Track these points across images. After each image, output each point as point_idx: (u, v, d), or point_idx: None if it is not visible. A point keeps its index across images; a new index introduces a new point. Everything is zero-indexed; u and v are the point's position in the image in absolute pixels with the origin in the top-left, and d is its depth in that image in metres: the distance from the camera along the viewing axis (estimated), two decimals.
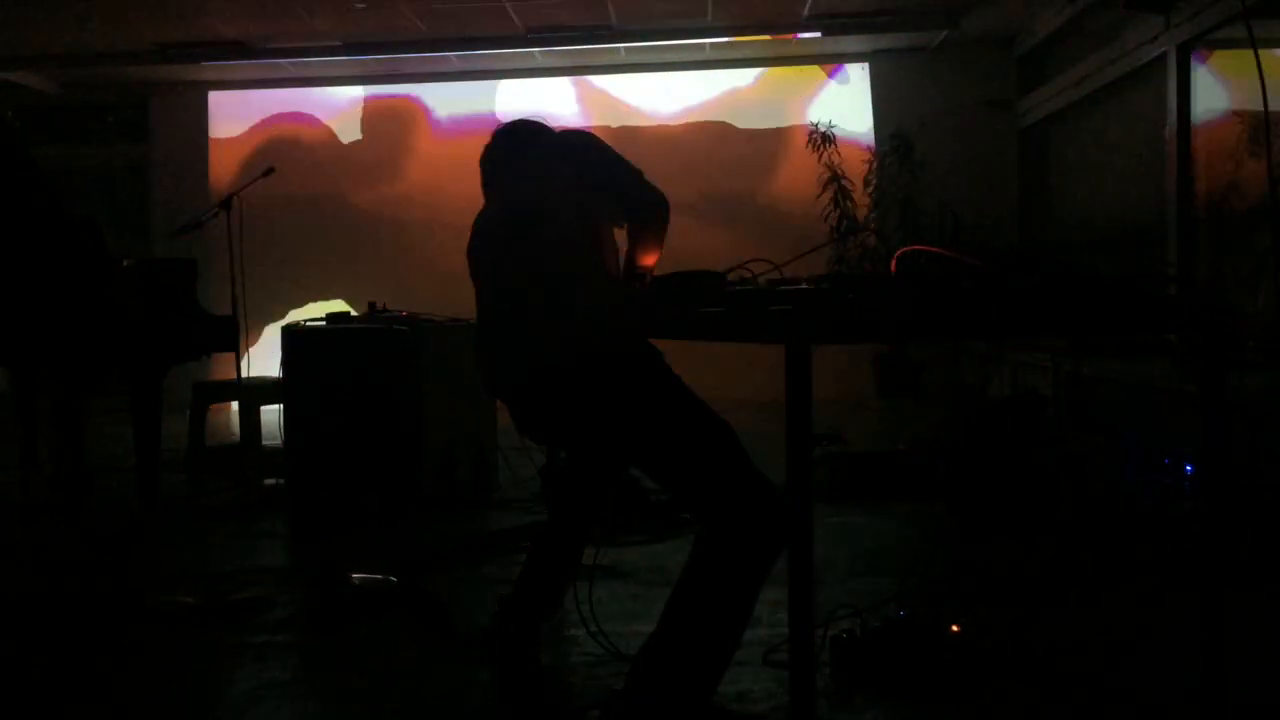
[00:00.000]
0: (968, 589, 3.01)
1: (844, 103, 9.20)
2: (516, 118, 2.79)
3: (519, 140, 2.67)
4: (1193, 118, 5.87)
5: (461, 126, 9.53)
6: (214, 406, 5.83)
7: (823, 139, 8.64)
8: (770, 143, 9.36)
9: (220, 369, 8.25)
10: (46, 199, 4.51)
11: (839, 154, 8.68)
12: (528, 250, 2.36)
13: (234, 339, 5.11)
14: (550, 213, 2.38)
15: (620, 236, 2.56)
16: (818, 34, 8.36)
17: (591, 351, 2.22)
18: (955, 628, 2.57)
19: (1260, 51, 3.33)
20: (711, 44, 8.72)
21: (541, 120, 2.77)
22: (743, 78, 9.41)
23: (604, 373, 2.20)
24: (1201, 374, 1.93)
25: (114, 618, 3.16)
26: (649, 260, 2.53)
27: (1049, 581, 3.34)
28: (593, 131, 2.57)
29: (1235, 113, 5.59)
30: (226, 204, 5.30)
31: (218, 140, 9.89)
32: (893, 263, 1.96)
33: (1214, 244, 5.77)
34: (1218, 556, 1.92)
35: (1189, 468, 4.62)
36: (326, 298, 9.45)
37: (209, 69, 9.22)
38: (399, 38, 8.48)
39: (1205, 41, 5.73)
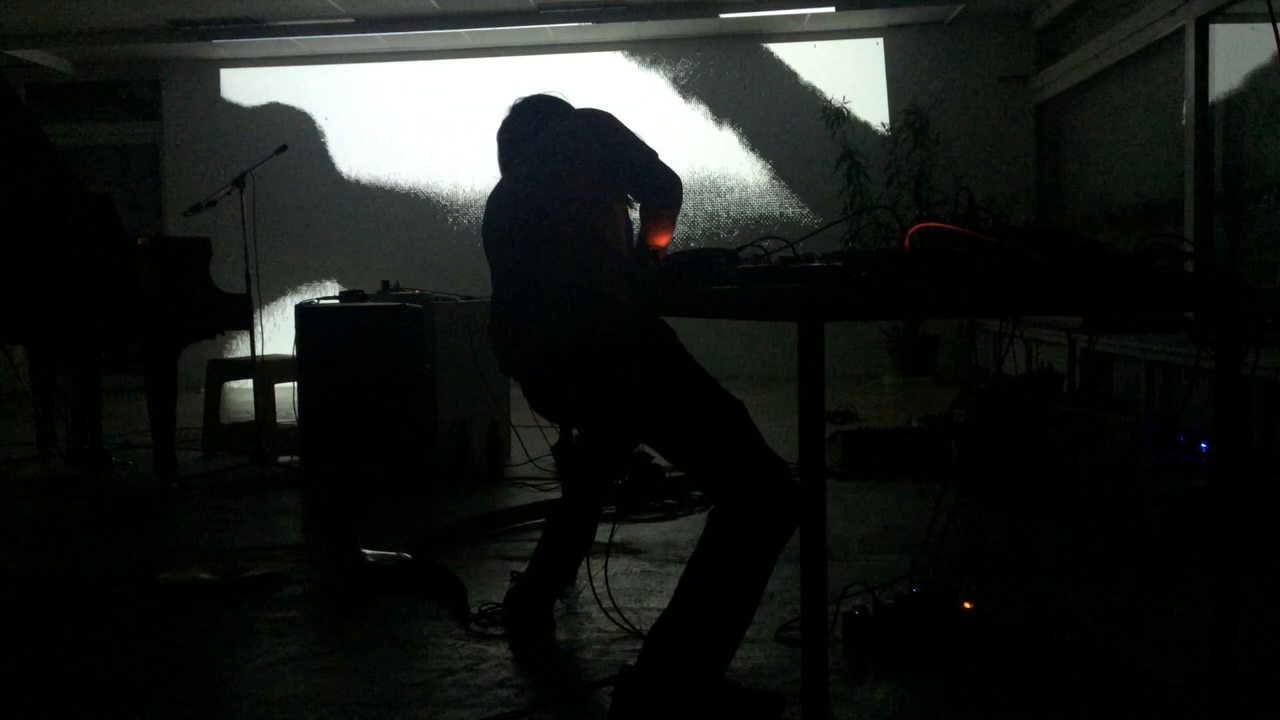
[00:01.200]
0: (980, 566, 3.01)
1: (858, 78, 9.14)
2: (534, 93, 2.78)
3: (535, 116, 2.66)
4: (1211, 92, 5.82)
5: (475, 104, 9.51)
6: (229, 384, 5.86)
7: (836, 115, 8.59)
8: (783, 119, 9.30)
9: (234, 347, 8.30)
10: (61, 176, 4.53)
11: (853, 130, 8.63)
12: (541, 229, 2.36)
13: (248, 317, 5.13)
14: (563, 192, 2.37)
15: (634, 215, 2.56)
16: (832, 9, 8.29)
17: (604, 329, 2.22)
18: (968, 604, 2.57)
19: None
20: (725, 19, 8.66)
21: (559, 95, 2.75)
22: (756, 52, 9.36)
23: (617, 351, 2.20)
24: (1218, 351, 1.92)
25: (131, 593, 3.19)
26: (662, 240, 2.53)
27: (1062, 558, 3.34)
28: (608, 110, 2.56)
29: (1255, 87, 5.53)
30: (240, 182, 5.32)
31: (231, 117, 9.89)
32: (906, 239, 1.95)
33: (1232, 220, 5.72)
34: (1231, 534, 1.91)
35: (1204, 445, 4.61)
36: (340, 275, 9.47)
37: (221, 46, 9.21)
38: (411, 14, 8.45)
39: (1224, 15, 5.67)
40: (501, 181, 2.62)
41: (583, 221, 2.34)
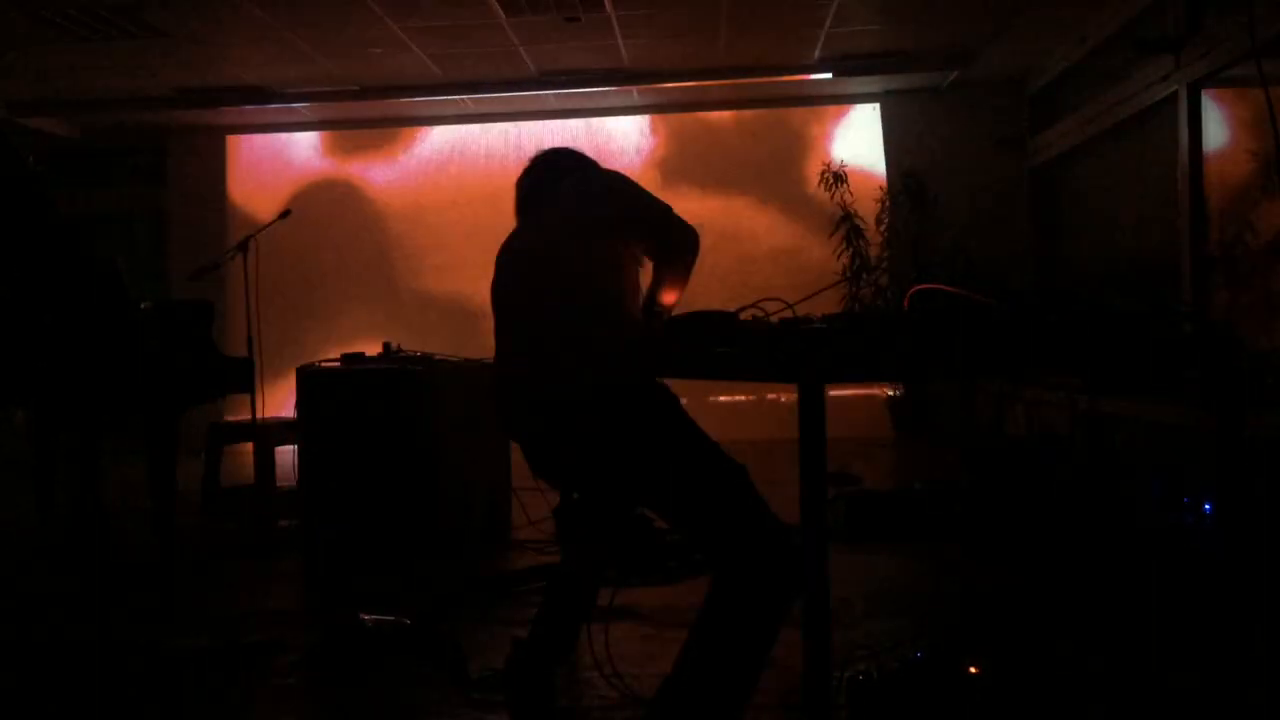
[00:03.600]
0: (985, 629, 2.98)
1: (856, 142, 9.25)
2: (557, 145, 2.80)
3: (557, 169, 2.67)
4: (1204, 156, 5.88)
5: (476, 168, 9.62)
6: (229, 448, 5.85)
7: (835, 178, 8.67)
8: (782, 182, 9.40)
9: (235, 410, 8.29)
10: (66, 241, 4.56)
11: (851, 193, 8.72)
12: (549, 292, 2.36)
13: (250, 380, 5.13)
14: (574, 253, 2.38)
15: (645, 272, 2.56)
16: (828, 75, 8.42)
17: (607, 396, 2.22)
18: (974, 669, 2.54)
19: (1271, 90, 3.33)
20: (721, 85, 8.78)
21: (581, 151, 2.77)
22: (754, 119, 9.48)
23: (619, 415, 2.20)
24: (1219, 412, 1.92)
25: (129, 660, 3.16)
26: (671, 298, 2.53)
27: (1068, 621, 3.30)
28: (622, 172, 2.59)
29: (1249, 151, 5.59)
30: (244, 246, 5.36)
31: (235, 183, 9.99)
32: (906, 301, 1.97)
33: (1229, 281, 5.75)
34: (1239, 595, 1.90)
35: (1208, 506, 4.58)
36: (342, 338, 9.49)
37: (227, 113, 9.33)
38: (413, 81, 8.58)
39: (1216, 80, 5.75)
40: (515, 232, 2.63)
41: (592, 283, 2.34)
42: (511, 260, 2.54)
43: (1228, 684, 1.89)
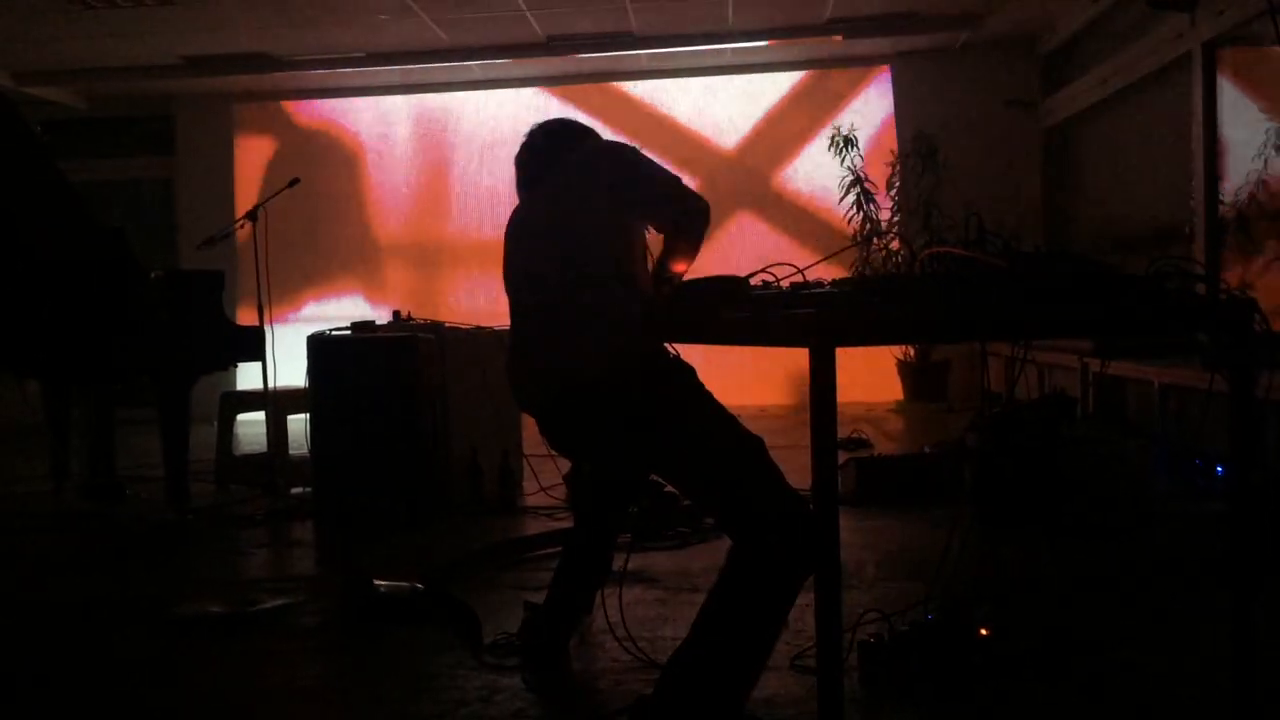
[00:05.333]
0: (996, 591, 2.99)
1: (867, 105, 9.18)
2: (556, 117, 2.76)
3: (557, 141, 2.61)
4: (1220, 115, 5.83)
5: (485, 135, 9.57)
6: (241, 416, 5.88)
7: (845, 142, 8.62)
8: (793, 146, 9.34)
9: (246, 377, 8.33)
10: (75, 212, 4.56)
11: (861, 157, 8.66)
12: (557, 267, 2.35)
13: (260, 349, 5.15)
14: (581, 226, 2.36)
15: (654, 239, 2.53)
16: (839, 37, 8.34)
17: (622, 367, 2.22)
18: (984, 631, 2.55)
19: None
20: (733, 49, 8.71)
21: (583, 122, 2.74)
22: (763, 81, 9.40)
23: (634, 388, 2.20)
24: (1231, 374, 1.91)
25: (145, 625, 3.19)
26: (681, 266, 2.50)
27: (1078, 583, 3.31)
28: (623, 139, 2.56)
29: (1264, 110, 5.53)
30: (252, 215, 5.35)
31: (243, 151, 9.97)
32: (917, 264, 1.96)
33: (1241, 242, 5.71)
34: (1248, 557, 1.90)
35: (1220, 469, 4.58)
36: (353, 305, 9.50)
37: (234, 81, 9.30)
38: (421, 48, 8.52)
39: (1230, 39, 5.68)
40: (518, 208, 2.61)
41: (601, 256, 2.33)
42: (519, 238, 2.52)
43: (1235, 643, 1.90)
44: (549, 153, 2.60)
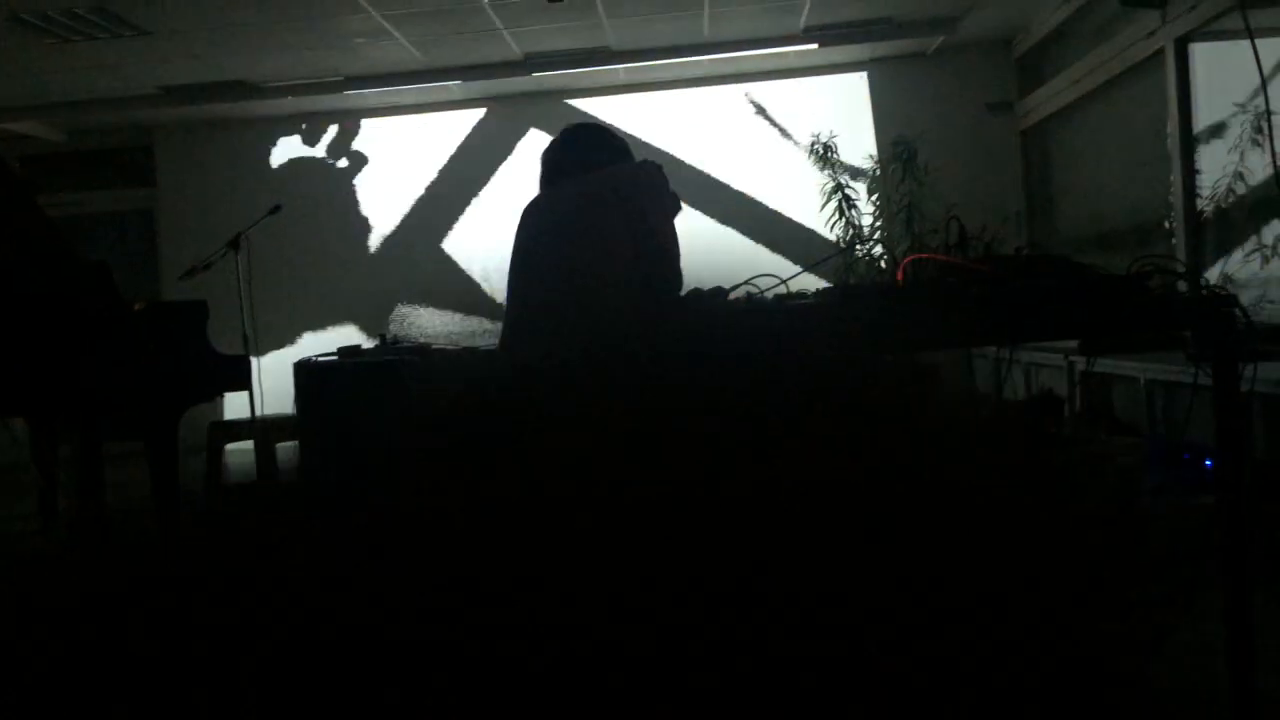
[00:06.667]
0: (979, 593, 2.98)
1: (845, 112, 9.21)
2: (588, 122, 2.80)
3: (584, 145, 2.68)
4: (1193, 111, 5.87)
5: (465, 154, 9.57)
6: (229, 445, 5.86)
7: (824, 149, 8.65)
8: (772, 155, 9.36)
9: (232, 406, 8.30)
10: (56, 246, 4.55)
11: (842, 164, 8.69)
12: (567, 261, 2.37)
13: (246, 378, 5.13)
14: (599, 239, 2.39)
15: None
16: (814, 45, 8.38)
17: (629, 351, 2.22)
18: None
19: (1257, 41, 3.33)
20: (709, 60, 8.74)
21: (613, 130, 2.78)
22: (740, 91, 9.43)
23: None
24: (1215, 368, 1.92)
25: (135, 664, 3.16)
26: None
27: (1060, 580, 3.31)
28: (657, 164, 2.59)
29: (1236, 104, 5.58)
30: (234, 243, 5.35)
31: (223, 179, 9.94)
32: (899, 272, 1.96)
33: (1221, 237, 5.75)
34: (1239, 553, 1.90)
35: (1209, 463, 4.60)
36: (338, 331, 9.48)
37: (212, 109, 9.28)
38: (398, 69, 8.53)
39: (1202, 34, 5.73)
40: (539, 199, 2.62)
41: (610, 268, 2.35)
42: (535, 231, 2.54)
43: (1230, 640, 1.90)
44: (577, 154, 2.66)
